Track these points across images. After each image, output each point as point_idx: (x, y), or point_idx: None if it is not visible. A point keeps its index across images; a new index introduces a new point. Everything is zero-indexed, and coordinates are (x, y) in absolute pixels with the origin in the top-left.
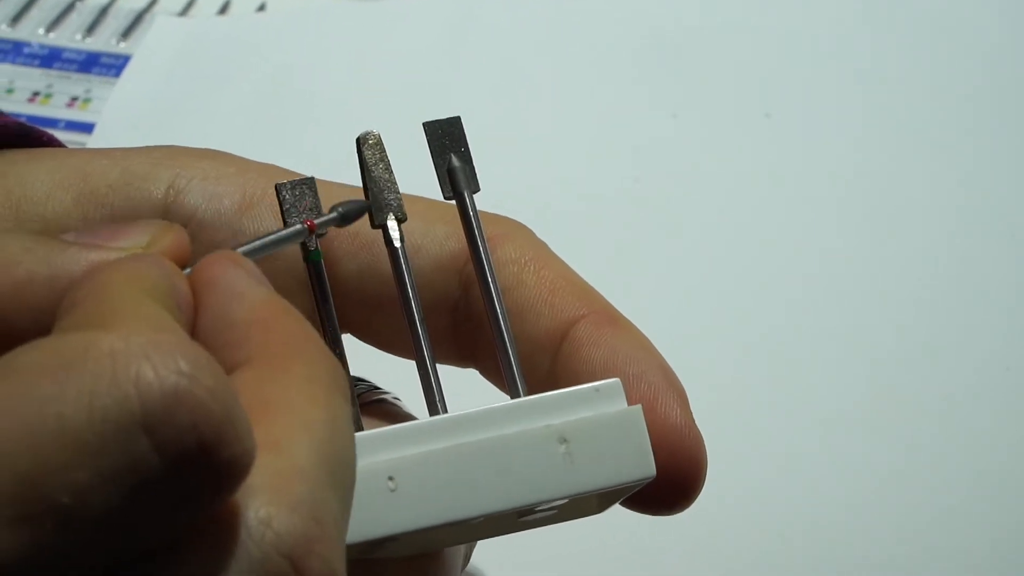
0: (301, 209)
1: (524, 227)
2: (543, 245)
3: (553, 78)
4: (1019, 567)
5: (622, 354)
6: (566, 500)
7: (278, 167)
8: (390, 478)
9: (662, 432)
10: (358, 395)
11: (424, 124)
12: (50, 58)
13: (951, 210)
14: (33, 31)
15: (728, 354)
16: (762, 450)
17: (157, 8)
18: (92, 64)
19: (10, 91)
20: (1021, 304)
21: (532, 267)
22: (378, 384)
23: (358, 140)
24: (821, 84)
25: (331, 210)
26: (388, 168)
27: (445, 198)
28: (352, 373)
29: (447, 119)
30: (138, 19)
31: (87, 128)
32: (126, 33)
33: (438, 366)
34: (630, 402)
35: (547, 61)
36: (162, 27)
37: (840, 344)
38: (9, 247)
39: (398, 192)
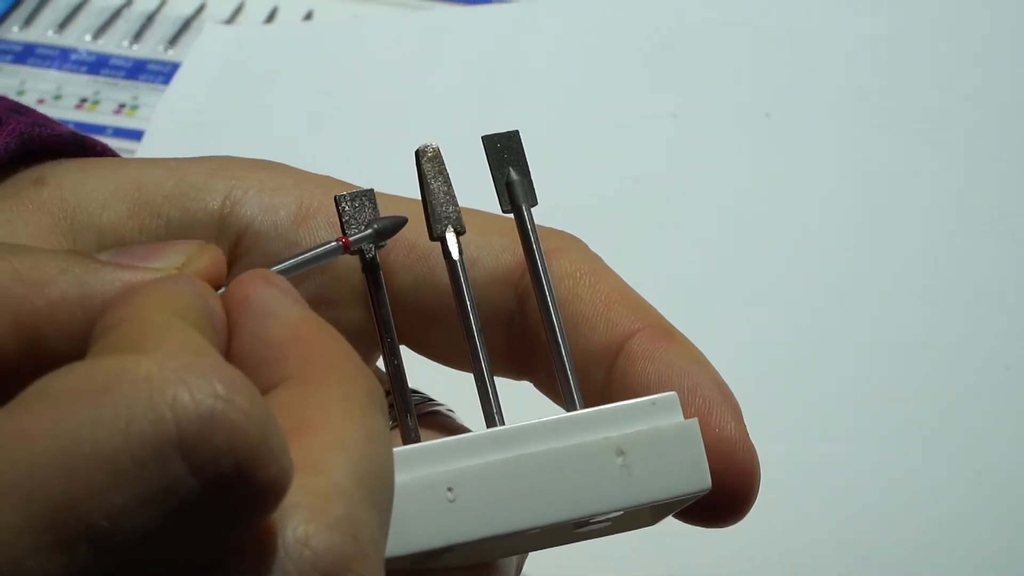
0: (360, 221)
1: (579, 241)
2: (598, 259)
3: (553, 78)
4: (1019, 567)
5: (677, 368)
6: (622, 512)
7: (333, 179)
8: (449, 489)
9: (717, 445)
10: (414, 407)
11: (483, 138)
12: (97, 65)
13: (951, 210)
14: (80, 37)
15: (727, 354)
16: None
17: (204, 15)
18: (139, 71)
19: (58, 97)
20: (1021, 304)
21: (588, 281)
22: (431, 396)
23: (417, 153)
24: (821, 84)
25: (367, 226)
26: (447, 181)
27: (503, 211)
28: (415, 388)
29: (506, 133)
30: (185, 26)
31: (136, 135)
32: (173, 40)
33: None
34: (686, 416)
35: (547, 61)
36: (211, 35)
37: (840, 344)
38: (44, 266)
39: (457, 205)
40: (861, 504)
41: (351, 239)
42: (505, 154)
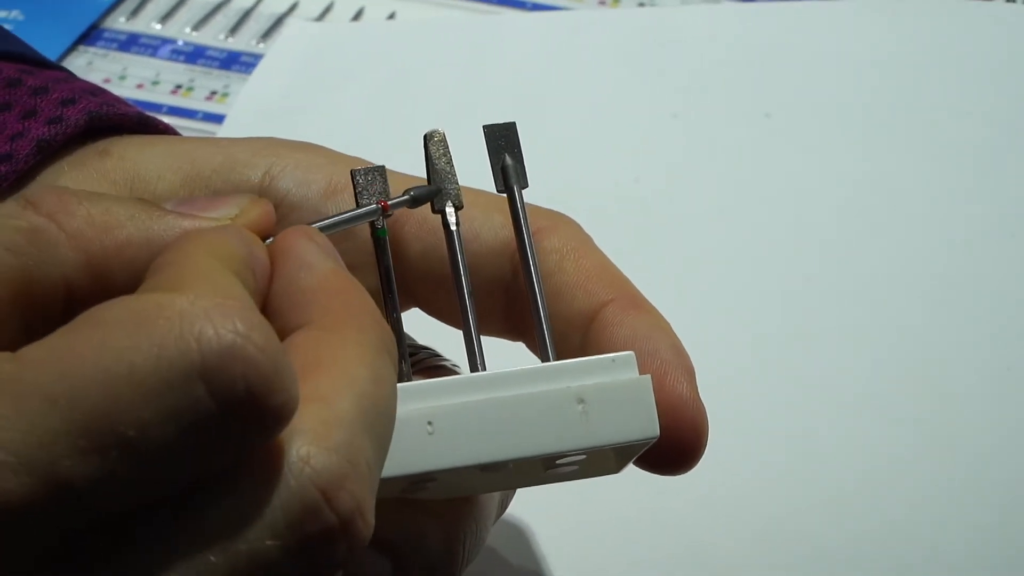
0: (372, 192)
1: (572, 221)
2: (587, 238)
3: (553, 78)
4: (1019, 567)
5: (640, 334)
6: (583, 454)
7: (365, 160)
8: (429, 423)
9: (669, 401)
10: (422, 360)
11: (484, 127)
12: (194, 55)
13: (952, 210)
14: (180, 30)
15: (727, 354)
16: (756, 457)
17: (297, 13)
18: (232, 62)
19: (155, 83)
20: (1022, 304)
21: (573, 256)
22: (440, 352)
23: (425, 137)
24: (821, 84)
25: (404, 192)
26: (450, 162)
27: (498, 191)
28: (420, 342)
29: (504, 124)
30: (278, 22)
31: (219, 119)
32: (265, 35)
33: (493, 339)
34: (642, 373)
35: (547, 62)
36: (293, 30)
37: (839, 344)
38: (115, 212)
39: (457, 183)
40: (861, 504)
41: (390, 203)
42: (502, 142)
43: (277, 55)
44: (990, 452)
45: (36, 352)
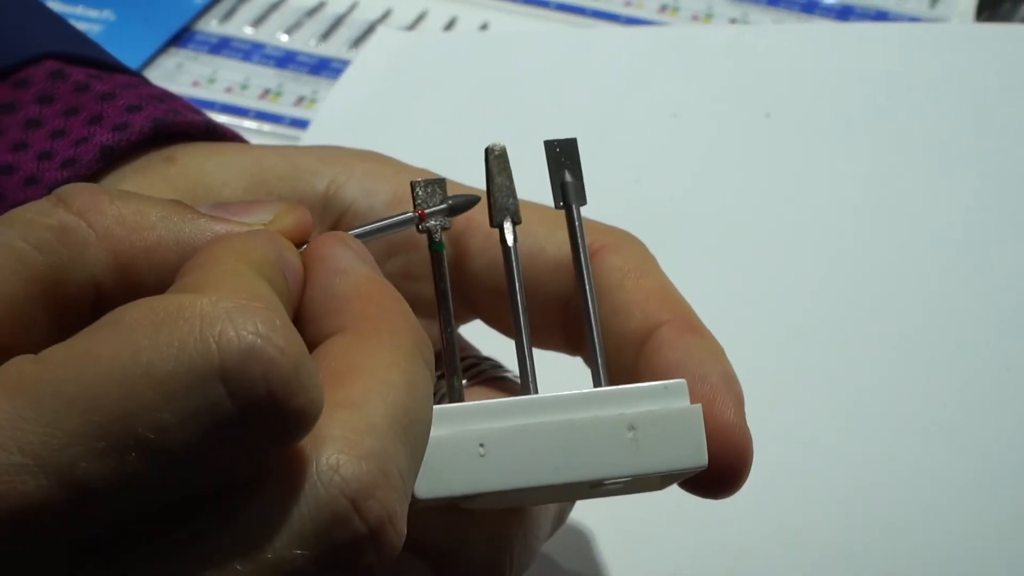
0: (431, 204)
1: (636, 240)
2: (649, 258)
3: (552, 79)
4: (1019, 567)
5: (693, 357)
6: (630, 478)
7: (431, 172)
8: (481, 444)
9: (716, 428)
10: (484, 371)
11: (545, 142)
12: (285, 60)
13: (951, 210)
14: (272, 34)
15: (727, 354)
16: (758, 454)
17: (389, 20)
18: (322, 68)
19: (244, 87)
20: (1021, 305)
21: (633, 275)
22: (502, 364)
23: (486, 151)
24: (821, 84)
25: (442, 201)
26: (509, 176)
27: (556, 207)
28: (484, 354)
29: (565, 140)
30: (370, 29)
31: (305, 124)
32: (357, 42)
33: (548, 352)
34: (693, 400)
35: (547, 63)
36: (382, 38)
37: (839, 344)
38: (146, 213)
39: (516, 198)
40: (861, 505)
41: (427, 211)
42: (563, 158)
43: (364, 63)
44: (990, 452)
45: (57, 354)
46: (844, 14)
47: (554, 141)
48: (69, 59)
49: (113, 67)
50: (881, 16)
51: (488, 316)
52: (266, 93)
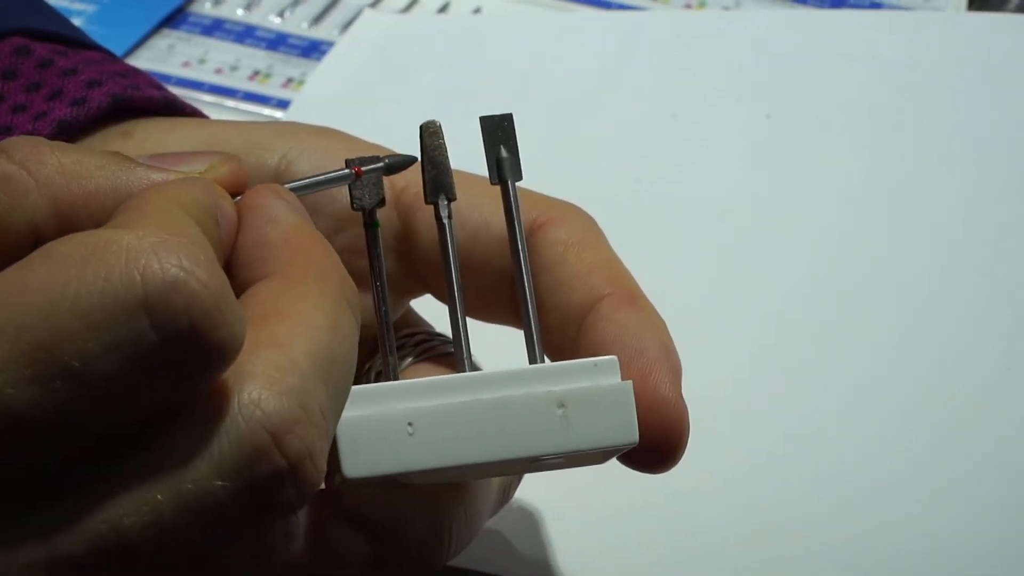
0: (366, 182)
1: (582, 213)
2: (594, 231)
3: (552, 78)
4: (1019, 567)
5: (631, 330)
6: (561, 455)
7: (385, 148)
8: (409, 423)
9: (650, 401)
10: (435, 347)
11: (480, 118)
12: (276, 42)
13: (952, 210)
14: (265, 16)
15: (727, 355)
16: (757, 455)
17: (383, 5)
18: (312, 50)
19: (234, 68)
20: (1022, 305)
21: (576, 249)
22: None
23: (420, 128)
24: (821, 84)
25: (379, 160)
26: (444, 153)
27: (492, 183)
28: (438, 330)
29: (501, 115)
30: (361, 13)
31: (286, 105)
32: (348, 25)
33: (501, 327)
34: (626, 375)
35: (547, 63)
36: (367, 19)
37: (840, 344)
38: (85, 162)
39: (451, 175)
40: (861, 505)
41: (363, 168)
42: (499, 133)
43: (348, 44)
44: (990, 452)
45: None
46: (838, 3)
47: (490, 117)
48: (36, 35)
49: (81, 43)
50: (875, 6)
51: (437, 291)
52: (255, 74)
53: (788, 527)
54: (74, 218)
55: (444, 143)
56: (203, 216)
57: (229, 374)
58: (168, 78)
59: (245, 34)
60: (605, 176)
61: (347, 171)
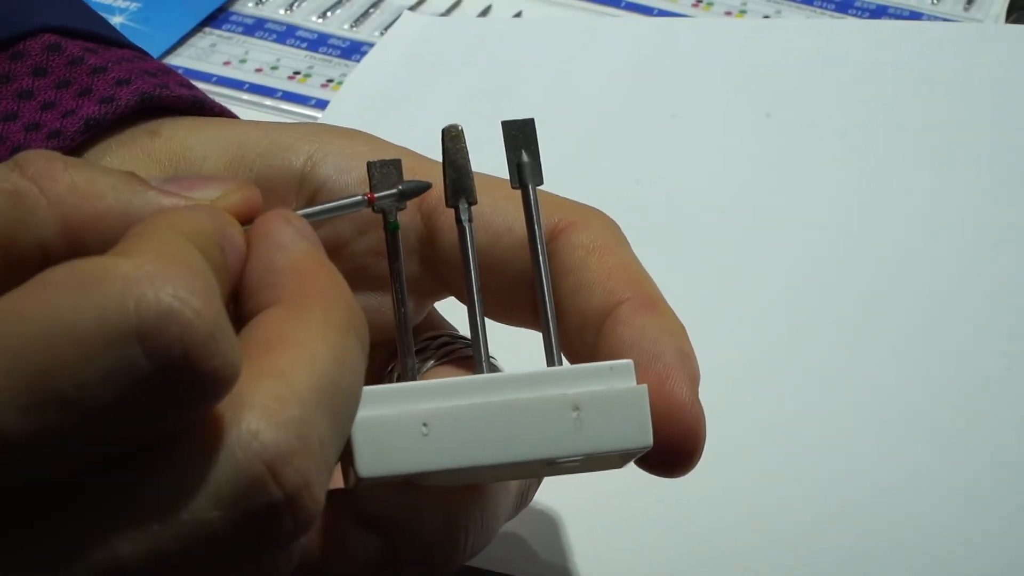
0: (387, 185)
1: (605, 217)
2: (617, 236)
3: (551, 78)
4: (1019, 567)
5: (648, 335)
6: (579, 457)
7: (410, 151)
8: (424, 424)
9: (667, 406)
10: (457, 349)
11: (502, 122)
12: (317, 42)
13: (952, 210)
14: (307, 17)
15: (727, 355)
16: (762, 454)
17: (424, 7)
18: (353, 52)
19: (274, 68)
20: (1022, 305)
21: (598, 253)
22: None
23: (443, 132)
24: (821, 84)
25: (394, 184)
26: (466, 157)
27: (512, 188)
28: (461, 333)
29: (522, 120)
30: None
31: (324, 105)
32: (388, 27)
33: (521, 330)
34: (643, 379)
35: (546, 61)
36: (406, 22)
37: (840, 344)
38: (98, 183)
39: (472, 178)
40: (861, 505)
41: (376, 195)
42: (520, 138)
43: (386, 46)
44: (991, 452)
45: None
46: (878, 13)
47: (512, 121)
48: (67, 33)
49: (113, 41)
50: (915, 17)
51: (460, 293)
52: (295, 74)
53: (787, 527)
54: (82, 238)
55: (465, 147)
56: (208, 244)
57: (229, 403)
58: (208, 76)
59: (286, 34)
60: (603, 176)
61: (360, 197)
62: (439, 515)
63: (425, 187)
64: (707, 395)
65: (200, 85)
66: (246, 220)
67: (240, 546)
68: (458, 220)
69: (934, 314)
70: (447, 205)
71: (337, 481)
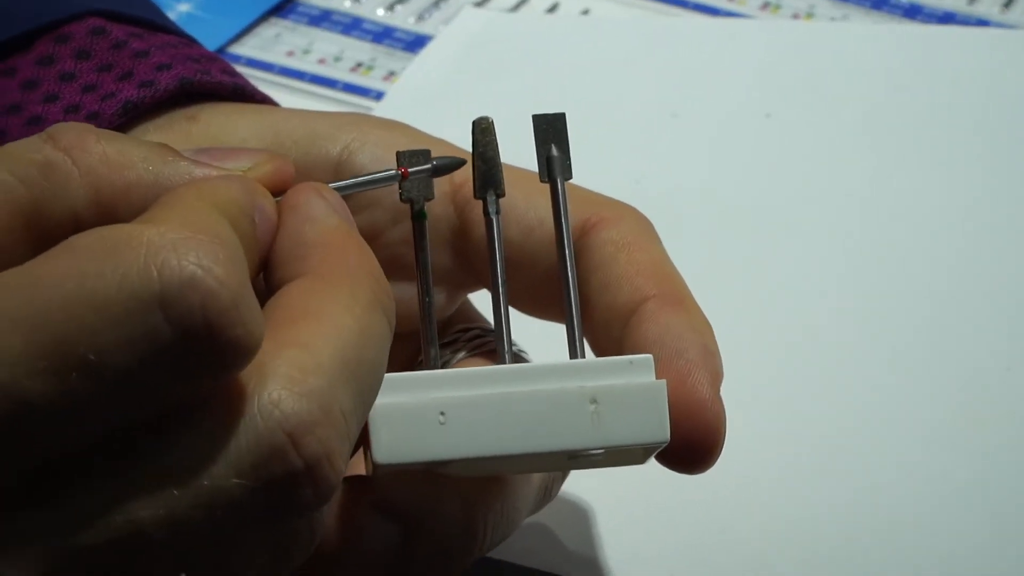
0: (414, 178)
1: (636, 213)
2: (648, 232)
3: (552, 78)
4: (1020, 567)
5: (673, 332)
6: (599, 451)
7: (448, 143)
8: (442, 413)
9: (688, 403)
10: (487, 342)
11: (533, 116)
12: (382, 35)
13: (952, 210)
14: (372, 10)
15: (727, 354)
16: (764, 453)
17: (491, 4)
18: (416, 45)
19: (338, 59)
20: (1022, 305)
21: (627, 250)
22: (515, 339)
23: (473, 124)
24: (821, 84)
25: (427, 161)
26: (495, 149)
27: (542, 182)
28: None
29: (553, 114)
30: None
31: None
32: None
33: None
34: (665, 375)
35: (547, 61)
36: (466, 16)
37: (839, 345)
38: (129, 153)
39: (501, 171)
40: (861, 504)
41: (409, 170)
42: (550, 132)
43: (445, 40)
44: (991, 452)
45: (9, 277)
46: (911, 13)
47: (543, 116)
48: (114, 17)
49: (159, 27)
50: (948, 17)
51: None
52: (358, 66)
53: (788, 527)
54: (113, 208)
55: (495, 139)
56: (237, 214)
57: (251, 373)
58: (271, 67)
59: (352, 26)
60: (603, 176)
61: (393, 172)
62: (458, 505)
63: (459, 163)
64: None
65: (262, 75)
66: (278, 192)
67: (259, 514)
68: (485, 212)
69: (934, 314)
70: (475, 197)
71: (358, 468)
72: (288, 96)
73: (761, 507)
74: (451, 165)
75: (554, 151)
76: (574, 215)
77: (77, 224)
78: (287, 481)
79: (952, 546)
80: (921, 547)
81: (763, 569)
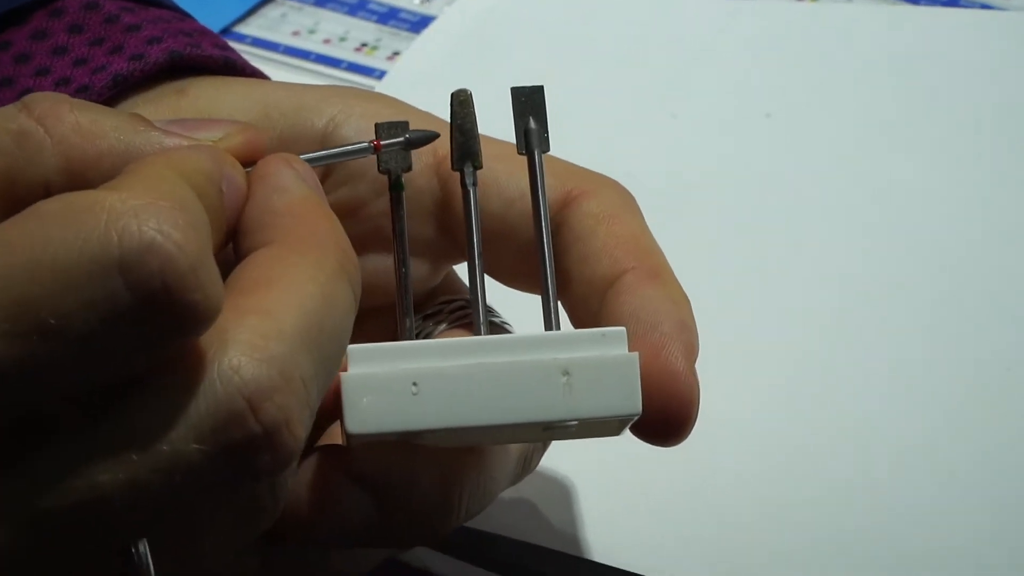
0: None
1: (618, 187)
2: (627, 205)
3: (553, 58)
4: (1020, 568)
5: (649, 305)
6: (572, 423)
7: (434, 116)
8: (414, 383)
9: (661, 375)
10: (469, 314)
11: (512, 89)
12: (387, 16)
13: (952, 210)
14: None
15: (726, 355)
16: (761, 457)
17: None
18: (422, 26)
19: (343, 39)
20: (1022, 305)
21: (607, 223)
22: (494, 309)
23: (452, 95)
24: (821, 84)
25: (403, 133)
26: (474, 122)
27: (519, 154)
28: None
29: (531, 87)
30: None
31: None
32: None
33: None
34: (639, 347)
35: (548, 41)
36: None
37: (840, 345)
38: (101, 123)
39: (478, 142)
40: (862, 504)
41: (382, 143)
42: (528, 105)
43: (448, 20)
44: (991, 452)
45: None
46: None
47: (521, 88)
48: None
49: (153, 2)
50: (986, 5)
51: None
52: (363, 46)
53: (788, 526)
54: (84, 177)
55: (473, 111)
56: (204, 183)
57: (213, 339)
58: (276, 46)
59: (358, 7)
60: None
61: (365, 144)
62: (435, 475)
63: (433, 136)
64: (706, 392)
65: (267, 54)
66: (249, 162)
67: (219, 480)
68: (463, 183)
69: (934, 313)
70: (452, 168)
71: (336, 437)
72: (293, 75)
73: (758, 509)
74: (425, 138)
75: (532, 123)
76: (555, 188)
77: (48, 192)
78: (246, 446)
79: (952, 545)
80: (921, 546)
81: (754, 544)
